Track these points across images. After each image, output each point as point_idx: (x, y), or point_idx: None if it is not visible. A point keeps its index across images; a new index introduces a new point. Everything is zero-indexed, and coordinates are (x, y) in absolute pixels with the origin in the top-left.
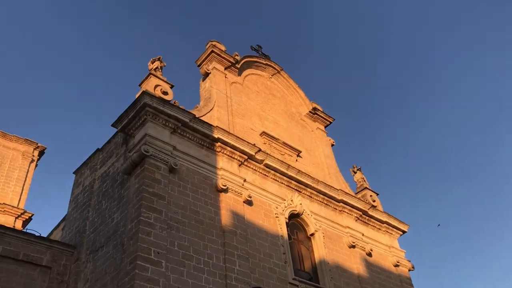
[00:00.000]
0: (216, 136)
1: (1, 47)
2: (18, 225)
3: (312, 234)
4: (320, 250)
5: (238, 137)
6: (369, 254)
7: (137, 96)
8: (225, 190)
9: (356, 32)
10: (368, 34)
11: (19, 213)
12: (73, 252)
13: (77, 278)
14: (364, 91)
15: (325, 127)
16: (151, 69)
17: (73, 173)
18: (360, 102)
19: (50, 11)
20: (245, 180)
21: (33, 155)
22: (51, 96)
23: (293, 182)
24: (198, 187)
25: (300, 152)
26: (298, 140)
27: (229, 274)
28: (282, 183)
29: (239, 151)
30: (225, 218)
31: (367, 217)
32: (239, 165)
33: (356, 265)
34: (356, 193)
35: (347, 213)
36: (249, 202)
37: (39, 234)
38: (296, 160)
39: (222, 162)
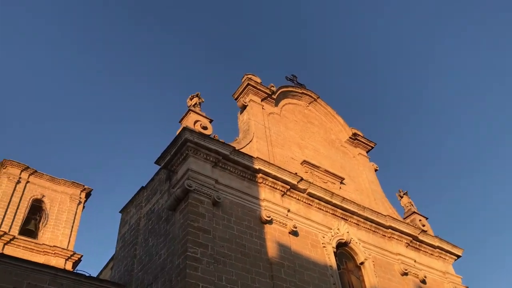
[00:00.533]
0: (257, 167)
1: (44, 97)
2: (69, 266)
3: (362, 263)
4: (371, 279)
5: (279, 167)
6: (423, 281)
7: (178, 132)
8: (270, 222)
9: (387, 55)
10: (403, 56)
11: (69, 255)
12: None
13: None
14: (404, 113)
15: (367, 152)
16: (190, 106)
17: (119, 212)
18: (400, 124)
19: (86, 55)
20: (289, 210)
21: (80, 197)
22: (93, 139)
23: (338, 210)
24: (243, 220)
25: (343, 179)
26: (340, 167)
27: None
28: (327, 211)
29: (281, 181)
30: (272, 250)
31: (418, 243)
32: (282, 195)
33: None
34: (404, 218)
35: (396, 239)
36: (294, 233)
37: (89, 275)
38: (340, 188)
39: (265, 193)
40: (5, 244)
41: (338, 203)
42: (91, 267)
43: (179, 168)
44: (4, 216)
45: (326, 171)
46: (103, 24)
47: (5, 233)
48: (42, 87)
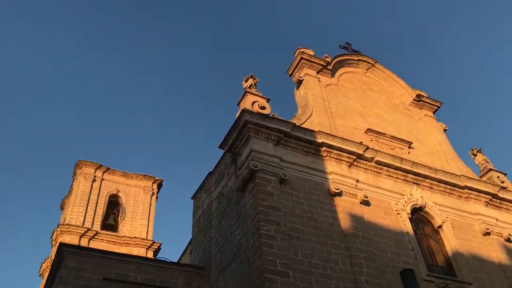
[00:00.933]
0: (319, 141)
1: (113, 97)
2: (150, 255)
3: (440, 226)
4: (451, 242)
5: (343, 138)
6: (509, 240)
7: (237, 115)
8: (339, 194)
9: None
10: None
11: (149, 244)
12: (203, 273)
13: None
14: (468, 67)
15: (434, 112)
16: (246, 87)
17: (191, 198)
18: (465, 79)
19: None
20: (357, 181)
21: (153, 189)
22: (157, 132)
23: (409, 175)
24: (311, 194)
25: (411, 143)
26: (407, 131)
27: (358, 277)
28: (397, 178)
29: (346, 153)
30: (344, 221)
31: (498, 201)
32: (349, 166)
33: (495, 254)
34: (480, 177)
35: (474, 199)
36: (366, 202)
37: (170, 261)
38: (409, 152)
39: (331, 166)
40: (89, 239)
41: (409, 168)
42: (171, 254)
43: (242, 150)
44: (85, 214)
45: (392, 137)
46: (154, 21)
47: (88, 229)
48: (103, 89)
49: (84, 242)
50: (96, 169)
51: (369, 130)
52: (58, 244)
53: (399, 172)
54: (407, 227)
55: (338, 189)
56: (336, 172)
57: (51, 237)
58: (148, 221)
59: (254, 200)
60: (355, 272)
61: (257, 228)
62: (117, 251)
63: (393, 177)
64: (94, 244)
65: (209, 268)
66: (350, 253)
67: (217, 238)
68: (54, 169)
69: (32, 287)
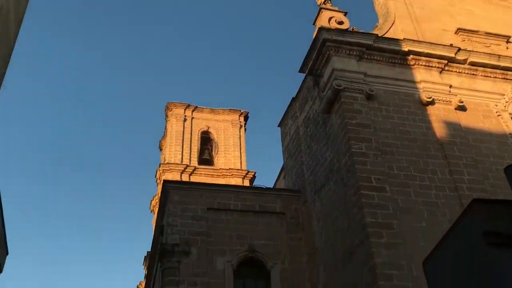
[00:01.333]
0: (405, 49)
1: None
2: (246, 183)
3: None
4: None
5: (431, 43)
6: None
7: (314, 35)
8: (431, 102)
9: None
10: None
11: (244, 174)
12: (299, 196)
13: (309, 218)
14: None
15: None
16: (320, 4)
17: (278, 126)
18: None
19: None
20: (451, 86)
21: (240, 121)
22: (238, 65)
23: (509, 72)
24: (401, 107)
25: (509, 37)
26: (503, 25)
27: (459, 185)
28: (496, 77)
29: (436, 57)
30: (439, 130)
31: None
32: (440, 72)
33: None
34: None
35: None
36: (461, 108)
37: (266, 187)
38: (507, 48)
39: (420, 74)
40: (189, 174)
41: (508, 65)
42: (265, 181)
43: (324, 70)
44: (182, 152)
45: (487, 34)
46: None
47: (187, 165)
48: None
49: (185, 178)
50: (185, 109)
51: (459, 30)
52: (162, 181)
53: (497, 71)
54: (510, 128)
55: (430, 98)
56: (427, 80)
57: (155, 176)
58: (240, 153)
59: (342, 120)
60: (455, 180)
61: (347, 147)
62: (216, 183)
63: (490, 77)
64: (194, 179)
65: (304, 191)
66: (449, 161)
67: (308, 161)
68: (149, 113)
69: (146, 222)
